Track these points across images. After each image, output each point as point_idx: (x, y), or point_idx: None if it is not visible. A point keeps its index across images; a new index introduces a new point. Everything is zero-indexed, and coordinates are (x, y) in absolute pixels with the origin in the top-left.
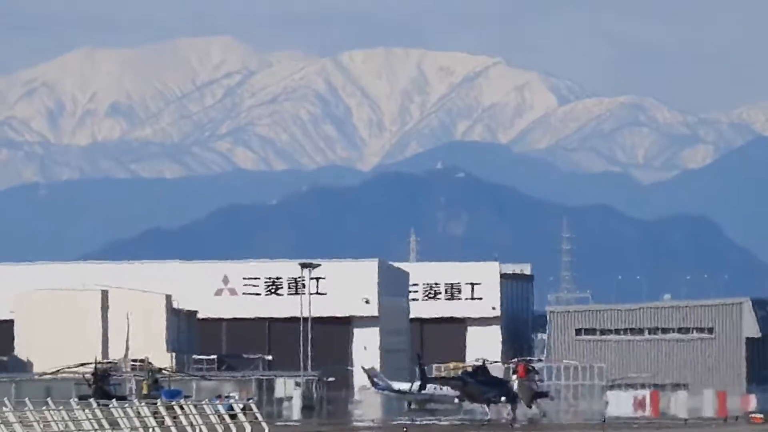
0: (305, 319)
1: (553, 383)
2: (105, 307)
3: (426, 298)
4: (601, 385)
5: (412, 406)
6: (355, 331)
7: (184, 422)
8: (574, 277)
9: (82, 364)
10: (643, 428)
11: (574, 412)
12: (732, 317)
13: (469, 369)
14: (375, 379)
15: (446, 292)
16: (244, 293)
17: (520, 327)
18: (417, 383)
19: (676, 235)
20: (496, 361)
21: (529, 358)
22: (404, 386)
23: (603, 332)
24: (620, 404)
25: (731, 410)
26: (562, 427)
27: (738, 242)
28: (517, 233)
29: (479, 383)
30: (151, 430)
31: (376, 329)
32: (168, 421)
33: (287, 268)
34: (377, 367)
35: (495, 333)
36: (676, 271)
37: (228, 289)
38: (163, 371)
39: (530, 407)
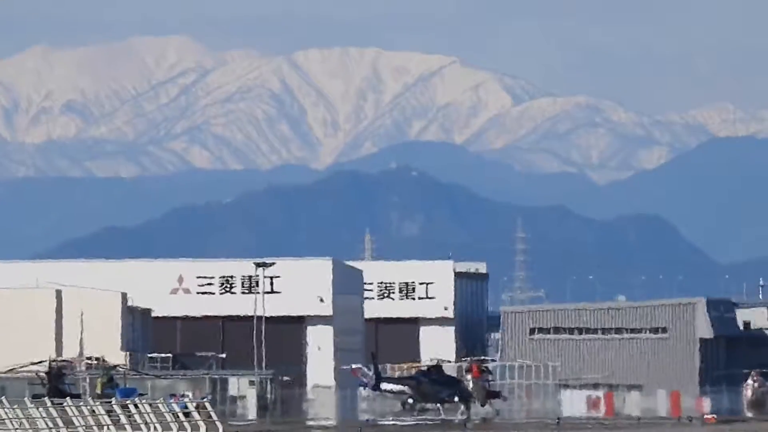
0: (259, 318)
1: (506, 383)
2: (59, 306)
3: (380, 297)
4: (554, 384)
5: (406, 407)
6: (309, 330)
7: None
8: (529, 276)
9: (36, 363)
10: (596, 428)
11: (527, 412)
12: (686, 317)
13: (423, 368)
14: (364, 379)
15: (400, 291)
16: (198, 292)
17: (474, 326)
18: (372, 382)
19: (631, 235)
20: (449, 361)
21: (483, 357)
22: (392, 386)
23: (557, 332)
24: (574, 404)
25: (685, 410)
26: (516, 427)
27: (693, 243)
28: (472, 233)
29: (433, 383)
30: (105, 428)
31: (330, 328)
32: (123, 419)
33: (241, 267)
34: (332, 365)
35: (449, 332)
36: (630, 271)
37: (182, 288)
38: (118, 369)
39: (484, 407)
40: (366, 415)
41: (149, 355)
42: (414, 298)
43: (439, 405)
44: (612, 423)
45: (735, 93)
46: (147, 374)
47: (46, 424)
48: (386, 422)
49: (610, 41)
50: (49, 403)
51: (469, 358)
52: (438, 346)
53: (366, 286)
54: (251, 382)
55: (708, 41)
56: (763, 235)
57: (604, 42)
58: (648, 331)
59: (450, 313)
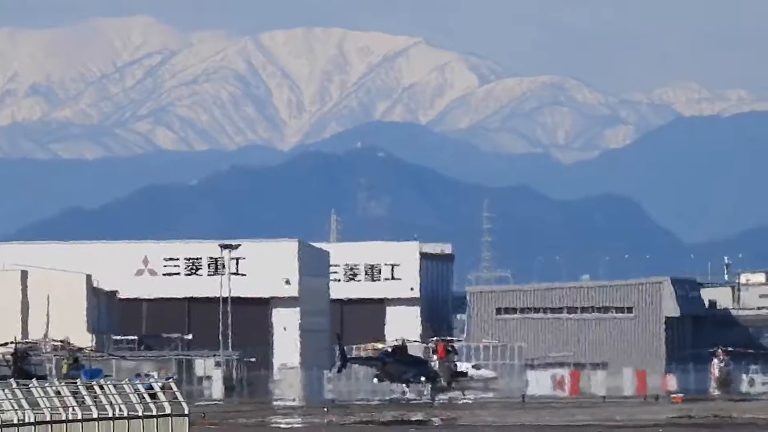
0: (225, 300)
1: (472, 363)
2: (25, 287)
3: (346, 278)
4: (520, 364)
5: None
6: (275, 311)
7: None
8: (495, 257)
9: (2, 345)
10: (562, 407)
11: (493, 391)
12: (652, 296)
13: (389, 349)
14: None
15: (366, 272)
16: (164, 273)
17: (440, 307)
18: (337, 364)
19: (597, 215)
20: (415, 341)
21: (448, 337)
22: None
23: (523, 312)
24: (540, 383)
25: (651, 389)
26: (482, 406)
27: (659, 223)
28: (438, 214)
29: (399, 363)
30: (71, 409)
31: (297, 310)
32: (88, 400)
33: (207, 249)
34: (297, 348)
35: (414, 313)
36: (596, 251)
37: (148, 269)
38: (84, 351)
39: (450, 386)
40: (332, 394)
41: (115, 337)
42: (380, 279)
43: (404, 385)
44: (577, 402)
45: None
46: (112, 355)
47: (11, 406)
48: (352, 402)
49: (575, 20)
50: (14, 385)
51: (435, 339)
52: (404, 327)
53: (332, 268)
54: (217, 363)
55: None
56: (729, 214)
57: (570, 21)
58: (614, 311)
59: (416, 294)
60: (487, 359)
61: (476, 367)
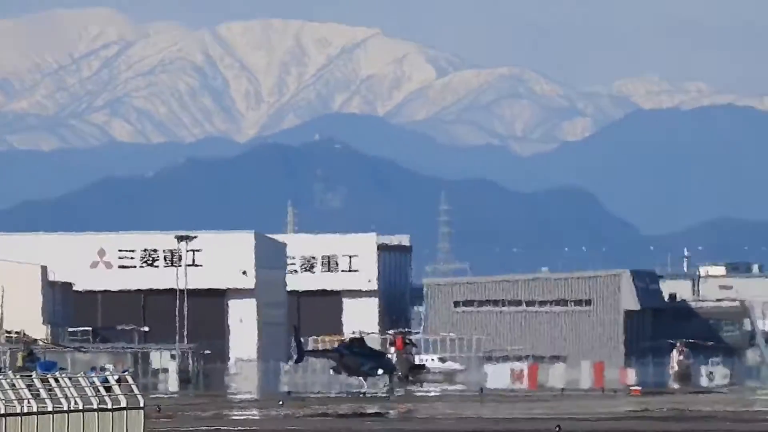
0: (181, 292)
1: (438, 355)
2: None
3: (303, 270)
4: (478, 357)
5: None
6: (232, 303)
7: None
8: (453, 249)
9: None
10: (520, 400)
11: (462, 384)
12: (610, 289)
13: (346, 341)
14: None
15: (323, 264)
16: (120, 266)
17: (398, 299)
18: (294, 357)
19: (556, 208)
20: (373, 333)
21: (406, 330)
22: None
23: (481, 304)
24: (498, 376)
25: (609, 382)
26: (440, 399)
27: (618, 215)
28: (396, 206)
29: (356, 355)
30: (25, 402)
31: (253, 302)
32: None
33: (163, 241)
34: (254, 340)
35: (372, 305)
36: (554, 244)
37: (104, 261)
38: (39, 343)
39: (408, 379)
40: (288, 387)
41: (70, 329)
42: (337, 271)
43: (362, 378)
44: (535, 395)
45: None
46: (68, 348)
47: None
48: (309, 394)
49: (534, 12)
50: None
51: (392, 331)
52: (361, 319)
53: (289, 259)
54: (173, 356)
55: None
56: (688, 207)
57: (528, 13)
58: (572, 303)
59: (373, 286)
60: (445, 352)
61: (442, 359)
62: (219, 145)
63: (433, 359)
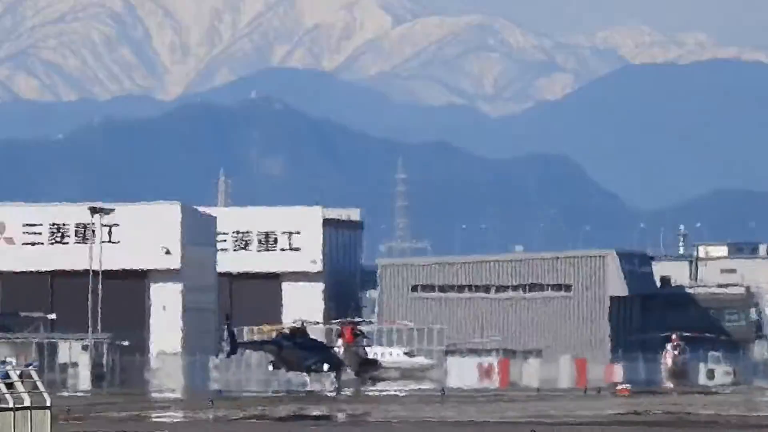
0: (95, 273)
1: (394, 348)
2: None
3: (237, 248)
4: (440, 350)
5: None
6: (153, 286)
7: None
8: (411, 225)
9: None
10: (489, 400)
11: (408, 383)
12: (594, 272)
13: (286, 331)
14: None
15: (260, 241)
16: (24, 242)
17: (347, 283)
18: (225, 349)
19: (530, 177)
20: (317, 323)
21: (357, 319)
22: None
23: (443, 289)
24: (463, 373)
25: (592, 381)
26: (395, 400)
27: (603, 186)
28: (344, 175)
29: (298, 348)
30: None
31: (178, 285)
32: None
33: (75, 213)
34: (179, 329)
35: (317, 290)
36: (529, 219)
37: (5, 237)
38: None
39: (358, 376)
40: (218, 385)
41: None
42: (275, 250)
43: (305, 373)
44: (507, 395)
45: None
46: None
47: None
48: (243, 393)
49: None
50: None
51: (340, 320)
52: (304, 306)
53: (220, 236)
54: (85, 347)
55: None
56: (684, 177)
57: None
58: (550, 288)
59: (318, 267)
60: (401, 344)
61: (409, 354)
62: (139, 105)
63: (398, 353)
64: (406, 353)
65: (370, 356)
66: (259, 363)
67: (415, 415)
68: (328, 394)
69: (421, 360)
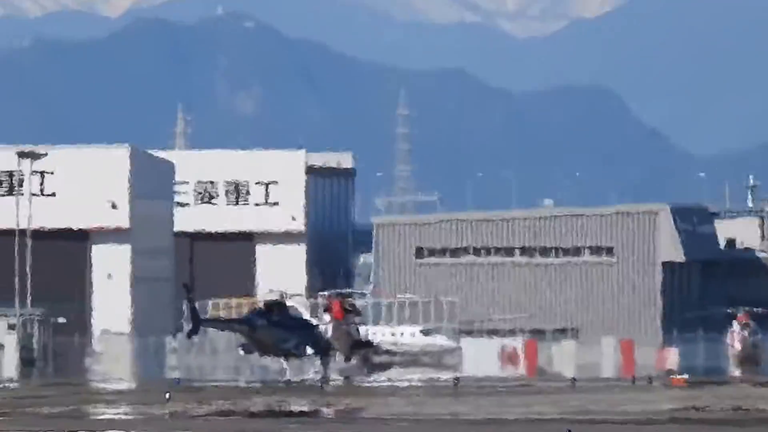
0: (23, 232)
1: (407, 327)
2: None
3: (200, 202)
4: (452, 329)
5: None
6: (96, 249)
7: None
8: (415, 173)
9: None
10: (511, 393)
11: (408, 369)
12: (642, 232)
13: (261, 306)
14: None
15: (228, 194)
16: None
17: (336, 246)
18: (186, 328)
19: (562, 114)
20: (299, 295)
21: (348, 290)
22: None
23: (456, 253)
24: (481, 358)
25: (641, 368)
26: (396, 391)
27: (650, 125)
28: (333, 111)
29: (275, 327)
30: None
31: (127, 248)
32: None
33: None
34: (128, 303)
35: (298, 254)
36: (561, 166)
37: None
38: None
39: (349, 361)
40: (178, 372)
41: None
42: (248, 204)
43: (283, 359)
44: (534, 385)
45: None
46: None
47: None
48: (208, 383)
49: None
50: None
51: (327, 292)
52: (282, 274)
53: (178, 186)
54: (11, 326)
55: None
56: (753, 115)
57: None
58: (587, 253)
59: (300, 226)
60: (404, 321)
61: (426, 332)
62: (78, 22)
63: (412, 332)
64: (422, 331)
65: (367, 337)
66: (227, 346)
67: (421, 411)
68: (312, 385)
69: (441, 341)
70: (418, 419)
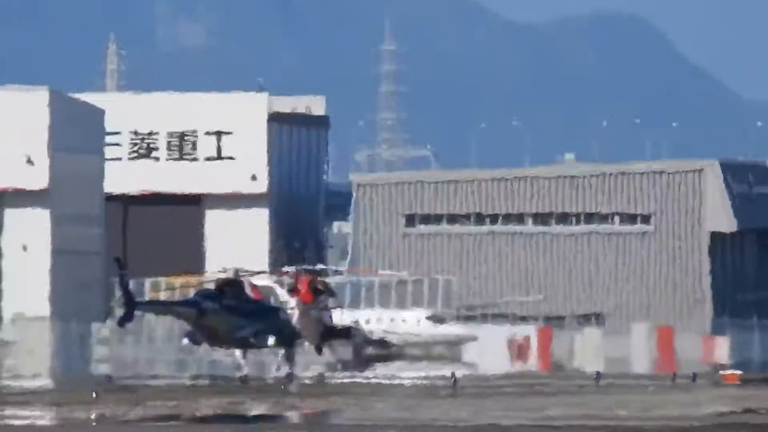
0: None
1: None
2: None
3: (136, 156)
4: (450, 314)
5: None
6: (8, 214)
7: None
8: (404, 122)
9: None
10: (522, 394)
11: (400, 363)
12: (686, 195)
13: (211, 286)
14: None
15: (171, 147)
16: None
17: (305, 211)
18: (118, 313)
19: (589, 51)
20: (260, 273)
21: (319, 266)
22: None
23: (453, 220)
24: (485, 350)
25: (684, 362)
26: (376, 392)
27: (696, 64)
28: (301, 45)
29: (228, 312)
30: None
31: (45, 213)
32: None
33: None
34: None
35: (259, 221)
36: (586, 113)
37: None
38: None
39: (321, 353)
40: (107, 367)
41: None
42: (197, 159)
43: (238, 351)
44: (550, 383)
45: None
46: None
47: None
48: (145, 381)
49: None
50: None
51: (293, 269)
52: (239, 246)
53: (110, 137)
54: None
55: None
56: None
57: None
58: (618, 220)
59: (261, 187)
60: (389, 305)
61: (434, 318)
62: None
63: (418, 318)
64: (429, 318)
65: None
66: (168, 335)
67: (408, 417)
68: (275, 383)
69: (456, 329)
70: (405, 425)
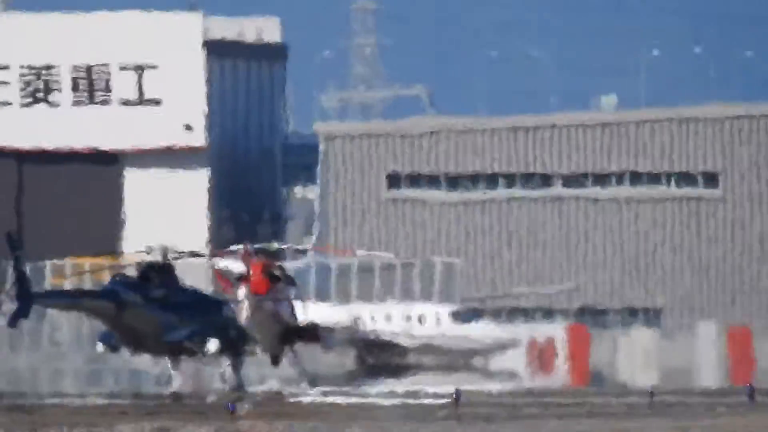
0: None
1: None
2: None
3: (31, 100)
4: (452, 310)
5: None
6: None
7: None
8: (386, 54)
9: None
10: (545, 416)
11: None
12: (765, 150)
13: (133, 272)
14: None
15: (78, 87)
16: None
17: (256, 171)
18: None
19: None
20: (199, 254)
21: (276, 244)
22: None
23: (454, 183)
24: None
25: (765, 372)
26: (352, 417)
27: None
28: None
29: (156, 306)
30: None
31: None
32: None
33: None
34: None
35: (196, 185)
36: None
37: None
38: None
39: (277, 362)
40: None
41: None
42: (109, 103)
43: (169, 358)
44: (584, 402)
45: None
46: None
47: None
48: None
49: None
50: None
51: (242, 245)
52: (169, 217)
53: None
54: None
55: None
56: None
57: None
58: (674, 182)
59: (198, 140)
60: (369, 297)
61: (459, 315)
62: None
63: (438, 313)
64: (452, 314)
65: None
66: (76, 336)
67: None
68: (217, 402)
69: (491, 330)
70: None
